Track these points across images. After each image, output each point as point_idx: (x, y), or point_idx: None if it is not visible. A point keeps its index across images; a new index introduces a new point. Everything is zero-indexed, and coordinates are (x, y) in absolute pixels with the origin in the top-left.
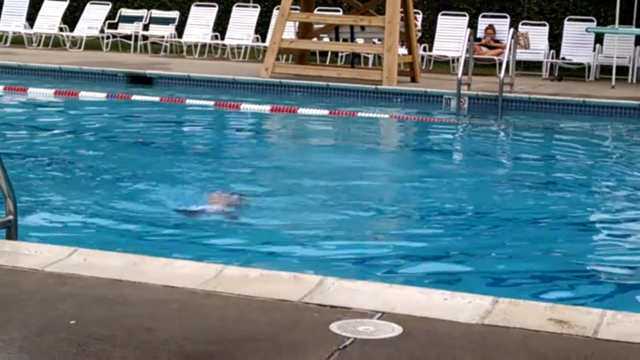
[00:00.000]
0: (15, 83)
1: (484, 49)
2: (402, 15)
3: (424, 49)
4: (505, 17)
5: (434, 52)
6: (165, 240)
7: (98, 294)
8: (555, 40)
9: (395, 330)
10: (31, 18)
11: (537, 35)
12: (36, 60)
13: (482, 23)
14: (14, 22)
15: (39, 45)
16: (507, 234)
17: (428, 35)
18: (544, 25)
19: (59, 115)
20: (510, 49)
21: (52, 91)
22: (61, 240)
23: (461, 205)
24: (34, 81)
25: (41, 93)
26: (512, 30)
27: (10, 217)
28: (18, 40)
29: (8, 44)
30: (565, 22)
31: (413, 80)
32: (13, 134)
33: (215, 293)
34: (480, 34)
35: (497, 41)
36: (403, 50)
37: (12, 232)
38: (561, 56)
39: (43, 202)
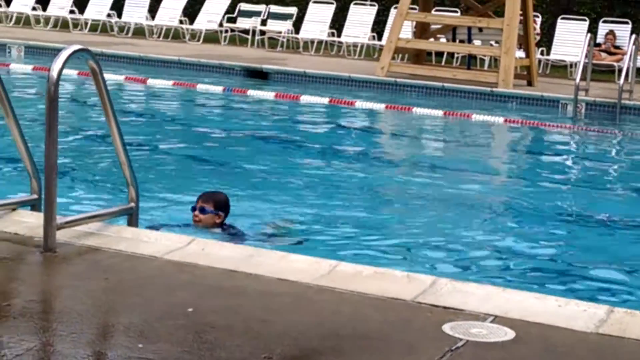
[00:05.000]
0: (136, 73)
1: (603, 54)
2: (521, 17)
3: (542, 53)
4: (626, 22)
5: (552, 56)
6: (280, 233)
7: (215, 283)
8: None
9: (508, 334)
10: (152, 10)
11: None
12: (156, 51)
13: (603, 28)
14: (135, 13)
15: (159, 36)
16: (621, 244)
17: (546, 39)
18: None
19: (177, 106)
20: (630, 56)
21: (170, 82)
22: (177, 230)
23: (575, 211)
24: (154, 72)
25: (160, 84)
26: (633, 36)
27: (132, 204)
28: (139, 32)
29: (130, 35)
30: None
31: (529, 84)
32: (133, 123)
33: (328, 288)
34: (600, 39)
35: (618, 47)
36: (520, 53)
37: (133, 219)
38: None
39: (159, 191)
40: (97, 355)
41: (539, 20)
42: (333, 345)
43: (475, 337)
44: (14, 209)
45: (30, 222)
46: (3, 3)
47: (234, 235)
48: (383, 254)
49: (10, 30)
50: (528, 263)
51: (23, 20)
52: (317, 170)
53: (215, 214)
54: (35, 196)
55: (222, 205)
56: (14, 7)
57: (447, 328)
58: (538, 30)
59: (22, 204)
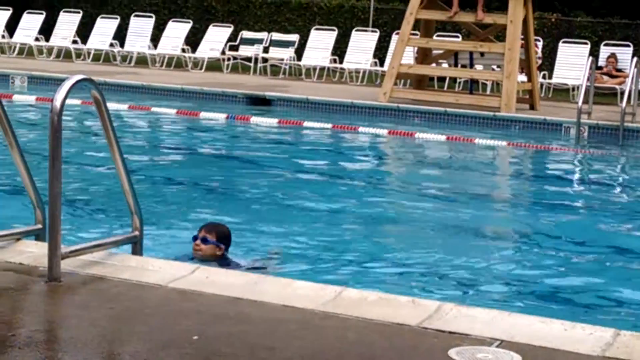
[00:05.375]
0: (139, 102)
1: (605, 77)
2: (523, 42)
3: (544, 77)
4: (628, 45)
5: (554, 80)
6: (285, 259)
7: (220, 311)
8: None
9: (514, 358)
10: (155, 39)
11: None
12: (159, 80)
13: (604, 51)
14: (138, 42)
15: (161, 65)
16: (625, 266)
17: (548, 62)
18: None
19: (180, 134)
20: (632, 79)
21: (174, 111)
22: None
23: (579, 235)
24: (157, 101)
25: (163, 112)
26: (635, 59)
27: (136, 232)
28: (142, 61)
29: (132, 64)
30: None
31: (532, 107)
32: (136, 152)
33: (334, 315)
34: (601, 62)
35: (619, 70)
36: (522, 78)
37: (137, 247)
38: None
39: (163, 219)
40: None
41: (540, 44)
42: None
43: None
44: (18, 239)
45: (34, 252)
46: (6, 34)
47: (230, 266)
48: (388, 280)
49: (14, 60)
50: (533, 287)
51: (26, 51)
52: (320, 196)
53: (217, 245)
54: (39, 226)
55: (224, 237)
56: (17, 38)
57: (453, 353)
58: (539, 54)
59: (27, 234)
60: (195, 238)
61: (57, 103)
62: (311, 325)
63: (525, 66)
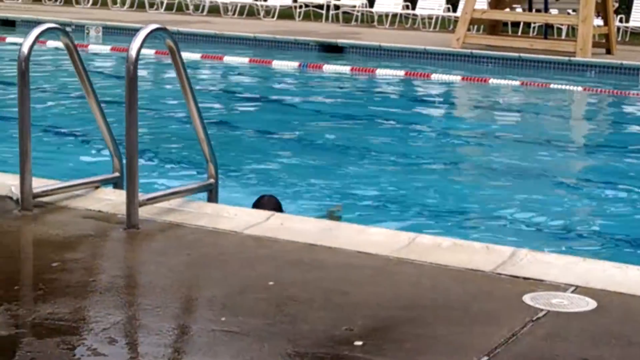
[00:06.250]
0: (212, 51)
1: None
2: None
3: (620, 20)
4: None
5: (631, 24)
6: (359, 206)
7: (295, 257)
8: None
9: (590, 304)
10: None
11: None
12: (231, 29)
13: None
14: None
15: (234, 14)
16: None
17: (625, 5)
18: None
19: (253, 82)
20: None
21: (246, 59)
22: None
23: None
24: (230, 49)
25: (236, 61)
26: None
27: (212, 180)
28: (214, 9)
29: (205, 13)
30: None
31: (608, 52)
32: (210, 101)
33: (407, 261)
34: None
35: None
36: (598, 21)
37: (213, 194)
38: None
39: (238, 166)
40: (182, 328)
41: None
42: (413, 316)
43: (556, 308)
44: (97, 187)
45: (112, 200)
46: None
47: None
48: (461, 226)
49: (88, 11)
50: (608, 233)
51: (100, 2)
52: (393, 143)
53: None
54: (117, 174)
55: (281, 206)
56: None
57: (527, 299)
58: None
59: (105, 182)
60: None
61: (133, 52)
62: (385, 271)
63: (602, 9)
